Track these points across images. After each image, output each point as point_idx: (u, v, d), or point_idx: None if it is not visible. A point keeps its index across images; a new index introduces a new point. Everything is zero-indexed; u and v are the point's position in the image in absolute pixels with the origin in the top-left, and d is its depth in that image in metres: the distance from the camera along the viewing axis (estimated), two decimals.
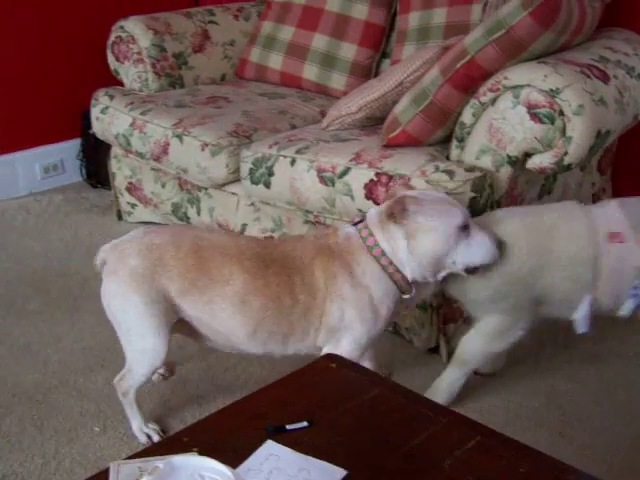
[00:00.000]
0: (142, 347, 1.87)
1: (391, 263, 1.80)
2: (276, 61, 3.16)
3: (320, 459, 1.12)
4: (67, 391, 2.17)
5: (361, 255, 1.80)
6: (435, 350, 2.32)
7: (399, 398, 1.26)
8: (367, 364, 1.93)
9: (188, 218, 2.86)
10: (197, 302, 1.81)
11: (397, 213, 1.75)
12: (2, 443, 1.97)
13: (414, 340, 2.34)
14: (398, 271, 1.80)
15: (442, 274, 1.85)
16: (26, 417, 2.07)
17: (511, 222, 1.93)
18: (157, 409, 2.10)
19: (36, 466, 1.89)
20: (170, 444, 1.18)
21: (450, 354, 2.27)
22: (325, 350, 1.84)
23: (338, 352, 1.71)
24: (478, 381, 2.19)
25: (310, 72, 3.09)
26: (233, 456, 1.10)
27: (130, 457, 1.13)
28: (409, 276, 1.81)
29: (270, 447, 1.13)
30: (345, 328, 1.82)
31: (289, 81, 3.14)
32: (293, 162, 2.37)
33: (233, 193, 2.63)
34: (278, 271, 1.79)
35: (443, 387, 2.06)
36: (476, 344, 2.03)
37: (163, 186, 2.93)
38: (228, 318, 1.81)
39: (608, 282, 1.88)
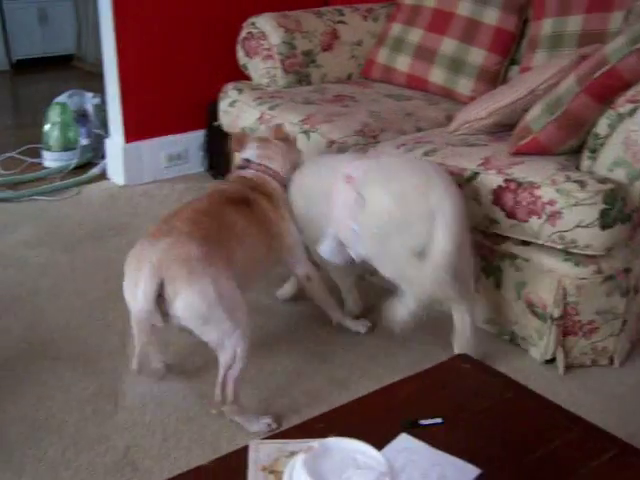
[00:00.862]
0: (240, 320, 1.92)
1: (277, 174, 2.30)
2: (403, 63, 3.18)
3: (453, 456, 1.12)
4: (186, 373, 2.25)
5: (270, 180, 2.27)
6: (551, 362, 2.28)
7: (532, 403, 1.26)
8: None
9: None
10: (237, 250, 2.02)
11: (287, 134, 2.43)
12: (126, 416, 2.05)
13: (530, 350, 2.32)
14: (281, 177, 2.31)
15: None
16: (148, 394, 2.15)
17: (307, 165, 2.36)
18: (272, 399, 2.14)
19: (157, 441, 1.97)
20: (305, 429, 1.21)
21: (568, 367, 2.24)
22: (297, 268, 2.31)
23: (302, 262, 2.29)
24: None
25: (437, 75, 3.09)
26: None
27: (267, 438, 1.17)
28: (283, 175, 2.32)
29: (405, 440, 1.15)
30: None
31: (415, 83, 3.15)
32: None
33: None
34: (246, 207, 2.14)
35: None
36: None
37: None
38: (254, 248, 2.11)
39: (337, 218, 2.15)
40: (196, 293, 1.86)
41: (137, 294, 1.86)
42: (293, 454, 1.07)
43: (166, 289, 1.85)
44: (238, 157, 2.38)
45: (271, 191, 2.24)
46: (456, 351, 2.20)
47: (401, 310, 2.05)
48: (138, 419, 2.04)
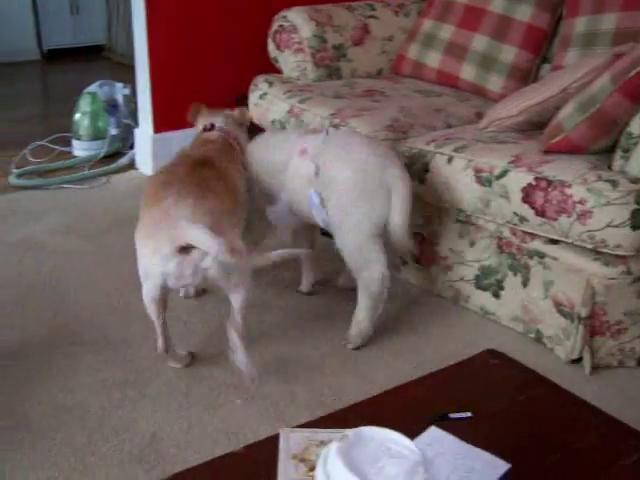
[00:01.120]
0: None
1: (237, 139, 2.49)
2: (434, 59, 3.17)
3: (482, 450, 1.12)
4: (212, 362, 2.26)
5: (233, 142, 2.44)
6: (577, 361, 2.27)
7: (561, 400, 1.26)
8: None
9: None
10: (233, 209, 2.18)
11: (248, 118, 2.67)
12: (151, 403, 2.07)
13: (556, 349, 2.31)
14: (240, 143, 2.50)
15: None
16: (173, 382, 2.16)
17: (259, 139, 2.55)
18: (296, 390, 2.15)
19: (181, 429, 1.98)
20: (334, 420, 1.21)
21: (594, 367, 2.23)
22: None
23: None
24: None
25: (467, 72, 3.07)
26: None
27: (298, 427, 1.17)
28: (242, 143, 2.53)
29: (434, 433, 1.15)
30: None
31: (446, 80, 3.14)
32: (450, 160, 2.38)
33: None
34: (215, 168, 2.24)
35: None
36: None
37: None
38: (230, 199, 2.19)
39: (290, 187, 2.36)
40: (225, 244, 1.94)
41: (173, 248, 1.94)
42: (323, 443, 1.08)
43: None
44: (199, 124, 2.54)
45: (233, 152, 2.40)
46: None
47: (359, 325, 2.32)
48: (163, 407, 2.06)
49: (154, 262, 1.99)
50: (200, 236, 1.92)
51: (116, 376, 2.18)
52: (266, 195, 2.46)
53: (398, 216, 2.21)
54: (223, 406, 2.07)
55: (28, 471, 1.82)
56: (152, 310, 2.11)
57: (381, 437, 0.88)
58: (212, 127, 2.43)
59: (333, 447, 0.85)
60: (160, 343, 2.16)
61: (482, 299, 2.49)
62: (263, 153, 2.47)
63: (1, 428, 1.96)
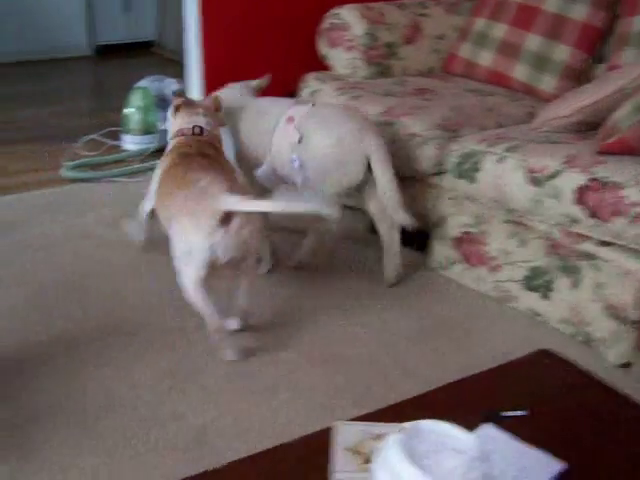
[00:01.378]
0: None
1: (217, 136, 2.57)
2: (486, 58, 3.15)
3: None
4: (260, 356, 2.28)
5: (215, 140, 2.50)
6: (626, 365, 2.24)
7: (615, 401, 1.25)
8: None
9: None
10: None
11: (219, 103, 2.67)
12: (202, 395, 2.09)
13: (605, 353, 2.28)
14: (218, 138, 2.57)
15: None
16: (221, 375, 2.18)
17: (249, 107, 2.72)
18: (346, 385, 2.15)
19: (228, 422, 1.99)
20: (388, 414, 1.22)
21: None
22: None
23: None
24: None
25: (520, 72, 3.05)
26: None
27: (352, 420, 1.18)
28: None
29: (487, 430, 1.15)
30: None
31: (497, 79, 3.12)
32: (501, 160, 2.36)
33: (434, 185, 2.66)
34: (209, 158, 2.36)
35: None
36: None
37: None
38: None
39: (275, 150, 2.57)
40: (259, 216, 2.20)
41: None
42: (378, 437, 1.09)
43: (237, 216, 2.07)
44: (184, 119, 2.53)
45: (219, 146, 2.51)
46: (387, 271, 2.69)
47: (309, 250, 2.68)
48: (212, 398, 2.08)
49: (199, 238, 2.06)
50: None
51: (167, 366, 2.20)
52: (254, 158, 2.65)
53: (381, 179, 2.45)
54: (271, 399, 2.08)
55: (79, 457, 1.85)
56: (197, 293, 2.14)
57: (439, 430, 0.88)
58: (202, 131, 2.47)
59: (393, 438, 0.85)
60: (214, 321, 2.18)
61: (531, 300, 2.47)
62: (253, 119, 2.67)
63: (57, 414, 2.00)
